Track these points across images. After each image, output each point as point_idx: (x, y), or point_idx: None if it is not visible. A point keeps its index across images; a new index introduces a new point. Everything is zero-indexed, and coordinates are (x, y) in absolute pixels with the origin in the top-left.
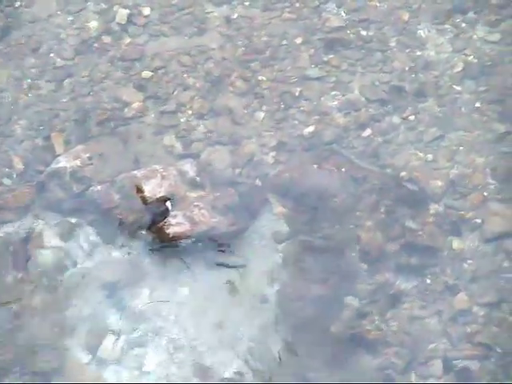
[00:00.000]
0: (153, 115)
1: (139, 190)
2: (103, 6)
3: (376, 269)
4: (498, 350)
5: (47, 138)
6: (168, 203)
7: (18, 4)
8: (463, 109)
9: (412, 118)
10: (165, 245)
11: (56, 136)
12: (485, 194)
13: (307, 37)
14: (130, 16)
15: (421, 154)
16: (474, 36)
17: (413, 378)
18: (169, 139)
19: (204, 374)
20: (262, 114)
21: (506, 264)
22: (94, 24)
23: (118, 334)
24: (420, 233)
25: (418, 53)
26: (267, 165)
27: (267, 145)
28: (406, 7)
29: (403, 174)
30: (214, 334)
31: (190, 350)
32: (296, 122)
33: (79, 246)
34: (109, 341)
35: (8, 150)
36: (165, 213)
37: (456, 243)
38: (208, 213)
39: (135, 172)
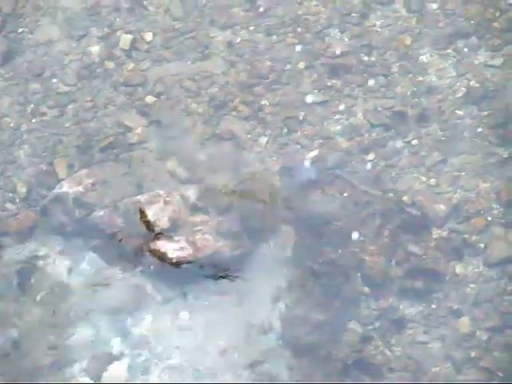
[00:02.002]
0: (156, 140)
1: (142, 215)
2: (106, 31)
3: (380, 293)
4: (501, 375)
5: (50, 164)
6: None
7: (20, 30)
8: (466, 133)
9: (415, 142)
10: (168, 269)
11: (59, 161)
12: (488, 218)
13: (310, 62)
14: (132, 41)
15: (424, 179)
16: (476, 61)
17: None
18: (172, 164)
19: None
20: (265, 139)
21: (509, 288)
22: (96, 49)
23: (121, 359)
24: (423, 257)
25: (421, 78)
26: (271, 189)
27: (270, 169)
28: (408, 32)
29: (406, 198)
30: (217, 359)
31: (194, 377)
32: (299, 146)
33: (82, 271)
34: (112, 367)
35: (11, 176)
36: None
37: (459, 268)
38: (211, 237)
39: (138, 197)
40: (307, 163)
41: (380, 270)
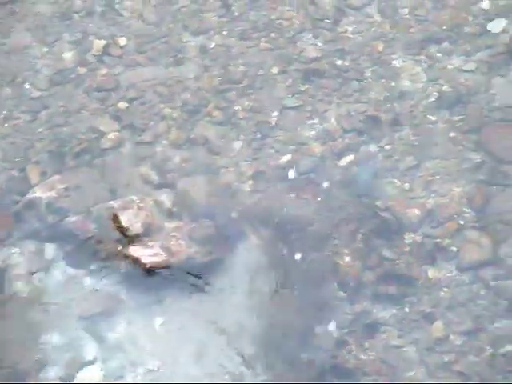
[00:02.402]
0: (129, 146)
1: (116, 221)
2: (79, 36)
3: (354, 298)
4: (476, 379)
5: (23, 169)
6: None
7: None
8: (439, 138)
9: (388, 147)
10: (142, 275)
11: (31, 167)
12: (461, 222)
13: (283, 67)
14: (105, 47)
15: (397, 183)
16: (449, 66)
17: None
18: (145, 170)
19: None
20: (238, 144)
21: (482, 292)
22: (69, 55)
23: (95, 365)
24: (397, 262)
25: (393, 83)
26: (244, 194)
27: (244, 174)
28: (381, 38)
29: (379, 203)
30: (191, 364)
31: (168, 381)
32: (273, 151)
33: (55, 277)
34: (86, 373)
35: None
36: None
37: (432, 272)
38: (185, 243)
39: (112, 202)
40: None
41: (354, 274)
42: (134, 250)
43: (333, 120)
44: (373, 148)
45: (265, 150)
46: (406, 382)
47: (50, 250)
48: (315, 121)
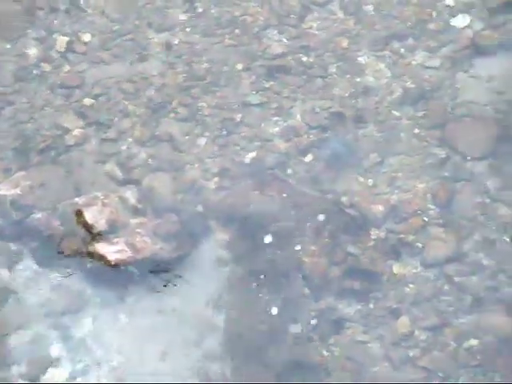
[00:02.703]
0: (94, 142)
1: (80, 218)
2: (43, 33)
3: (319, 294)
4: (440, 375)
5: None
6: None
7: None
8: (403, 134)
9: (352, 143)
10: (107, 272)
11: None
12: (425, 218)
13: (248, 63)
14: (69, 43)
15: (362, 180)
16: (413, 62)
17: None
18: (110, 166)
19: None
20: (203, 141)
21: (446, 288)
22: (33, 51)
23: (60, 363)
24: (362, 258)
25: (358, 79)
26: (209, 191)
27: (209, 171)
28: (345, 34)
29: (344, 199)
30: (158, 361)
31: (134, 380)
32: (238, 148)
33: (20, 274)
34: (51, 370)
35: None
36: None
37: (397, 268)
38: (150, 239)
39: (76, 199)
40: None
41: (319, 270)
42: (99, 247)
43: (298, 116)
44: (337, 144)
45: (230, 146)
46: (408, 382)
47: (15, 247)
48: (280, 117)
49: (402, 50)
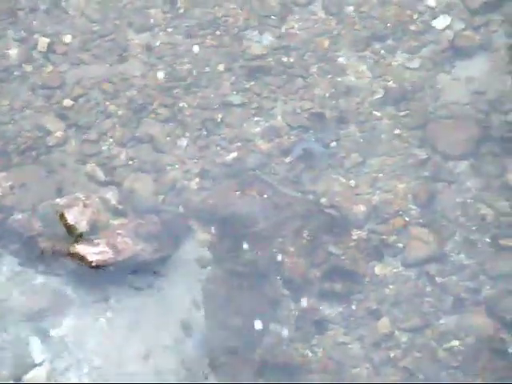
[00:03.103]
0: (74, 143)
1: (61, 219)
2: (23, 34)
3: (300, 295)
4: (420, 376)
5: None
6: None
7: None
8: (384, 135)
9: (333, 144)
10: (88, 273)
11: None
12: (406, 219)
13: (229, 64)
14: (50, 44)
15: (343, 180)
16: (394, 62)
17: None
18: (91, 167)
19: None
20: (184, 141)
21: (427, 289)
22: (14, 52)
23: (41, 364)
24: (343, 258)
25: (339, 79)
26: (190, 191)
27: (190, 171)
28: (326, 34)
29: (325, 199)
30: (139, 362)
31: (116, 380)
32: (219, 148)
33: (1, 275)
34: (32, 371)
35: None
36: None
37: (378, 268)
38: (131, 240)
39: (57, 200)
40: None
41: (300, 271)
42: (80, 248)
43: (278, 117)
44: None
45: (211, 147)
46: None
47: None
48: (261, 118)
49: (383, 51)
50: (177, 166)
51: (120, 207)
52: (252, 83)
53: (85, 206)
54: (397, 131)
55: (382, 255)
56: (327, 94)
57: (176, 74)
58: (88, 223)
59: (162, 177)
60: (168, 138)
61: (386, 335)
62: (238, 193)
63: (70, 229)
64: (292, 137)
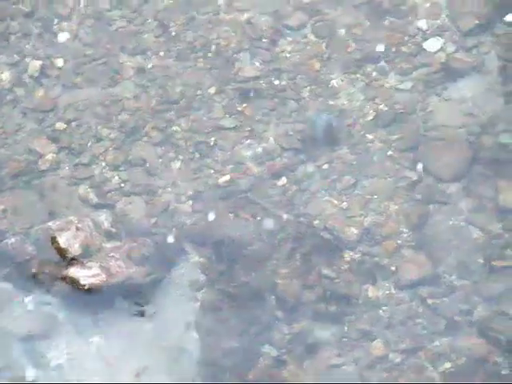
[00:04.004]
0: (67, 167)
1: (54, 242)
2: (15, 57)
3: (293, 317)
4: None
5: None
6: None
7: None
8: (376, 157)
9: (326, 166)
10: (81, 296)
11: None
12: (398, 241)
13: (221, 87)
14: (42, 67)
15: (335, 202)
16: (386, 84)
17: None
18: (83, 191)
19: None
20: (177, 164)
21: (420, 310)
22: (6, 75)
23: None
24: (336, 280)
25: (331, 102)
26: (183, 214)
27: (183, 194)
28: (318, 57)
29: (318, 222)
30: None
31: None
32: (211, 171)
33: None
34: None
35: None
36: None
37: (371, 290)
38: (124, 263)
39: (50, 224)
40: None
41: (293, 293)
42: (73, 272)
43: (271, 140)
44: (310, 167)
45: (203, 170)
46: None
47: None
48: (253, 140)
49: (375, 73)
50: (169, 189)
51: (113, 230)
52: (244, 106)
53: (77, 229)
54: (389, 153)
55: (374, 277)
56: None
57: (168, 96)
58: (81, 246)
59: (154, 199)
60: (160, 161)
61: (380, 357)
62: (230, 215)
63: (62, 252)
64: (284, 159)
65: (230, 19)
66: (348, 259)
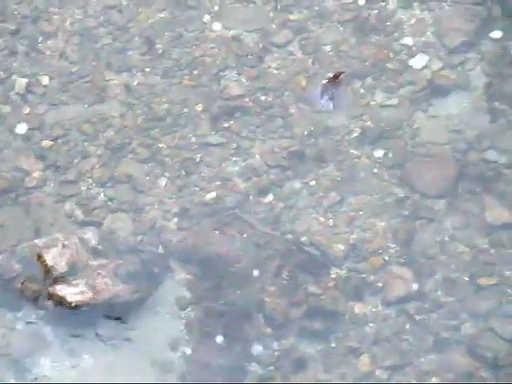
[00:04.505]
0: (53, 184)
1: (40, 259)
2: (1, 74)
3: (280, 333)
4: None
5: None
6: None
7: None
8: (362, 173)
9: (312, 183)
10: (67, 314)
11: None
12: (385, 257)
13: (207, 104)
14: (28, 85)
15: (322, 219)
16: (372, 102)
17: None
18: (70, 208)
19: None
20: (163, 181)
21: (407, 327)
22: None
23: None
24: (323, 297)
25: (317, 118)
26: (170, 231)
27: (169, 211)
28: (304, 73)
29: (304, 238)
30: None
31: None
32: (198, 188)
33: None
34: None
35: None
36: None
37: (358, 307)
38: (110, 281)
39: (36, 241)
40: None
41: (280, 310)
42: (59, 289)
43: (257, 156)
44: (297, 184)
45: (190, 186)
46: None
47: None
48: (239, 157)
49: (362, 90)
50: (156, 206)
51: (99, 247)
52: (231, 123)
53: (64, 246)
54: (375, 170)
55: (361, 294)
56: (306, 133)
57: (154, 114)
58: (67, 264)
59: (141, 217)
60: (147, 178)
61: (367, 373)
62: (217, 232)
63: (48, 269)
64: (271, 176)
65: (216, 36)
66: (334, 276)
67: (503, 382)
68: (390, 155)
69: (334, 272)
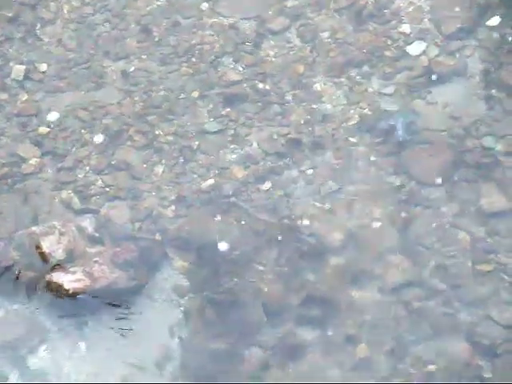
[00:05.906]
0: (50, 171)
1: (38, 247)
2: None
3: (278, 321)
4: None
5: None
6: None
7: None
8: (359, 161)
9: (310, 171)
10: (64, 301)
11: None
12: (383, 245)
13: (205, 91)
14: (26, 72)
15: (319, 207)
16: (370, 89)
17: None
18: (67, 195)
19: None
20: (161, 169)
21: (404, 314)
22: None
23: None
24: (320, 285)
25: (314, 106)
26: (167, 219)
27: (167, 199)
28: (302, 61)
29: (302, 226)
30: None
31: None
32: (195, 175)
33: None
34: None
35: None
36: None
37: (355, 294)
38: (108, 268)
39: (33, 228)
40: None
41: (277, 297)
42: (57, 276)
43: (255, 144)
44: (295, 172)
45: (187, 174)
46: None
47: None
48: (237, 145)
49: (358, 77)
50: (153, 193)
51: (96, 235)
52: (228, 110)
53: (61, 234)
54: (372, 158)
55: (358, 281)
56: (303, 121)
57: (152, 101)
58: (64, 251)
59: (138, 204)
60: (144, 165)
61: (364, 360)
62: (214, 220)
63: (45, 257)
64: (268, 163)
65: (214, 23)
66: (332, 263)
67: (500, 370)
68: (387, 143)
69: (332, 259)
